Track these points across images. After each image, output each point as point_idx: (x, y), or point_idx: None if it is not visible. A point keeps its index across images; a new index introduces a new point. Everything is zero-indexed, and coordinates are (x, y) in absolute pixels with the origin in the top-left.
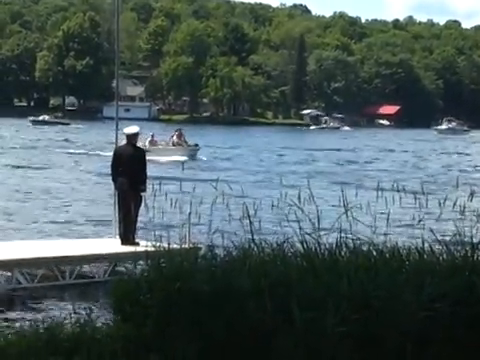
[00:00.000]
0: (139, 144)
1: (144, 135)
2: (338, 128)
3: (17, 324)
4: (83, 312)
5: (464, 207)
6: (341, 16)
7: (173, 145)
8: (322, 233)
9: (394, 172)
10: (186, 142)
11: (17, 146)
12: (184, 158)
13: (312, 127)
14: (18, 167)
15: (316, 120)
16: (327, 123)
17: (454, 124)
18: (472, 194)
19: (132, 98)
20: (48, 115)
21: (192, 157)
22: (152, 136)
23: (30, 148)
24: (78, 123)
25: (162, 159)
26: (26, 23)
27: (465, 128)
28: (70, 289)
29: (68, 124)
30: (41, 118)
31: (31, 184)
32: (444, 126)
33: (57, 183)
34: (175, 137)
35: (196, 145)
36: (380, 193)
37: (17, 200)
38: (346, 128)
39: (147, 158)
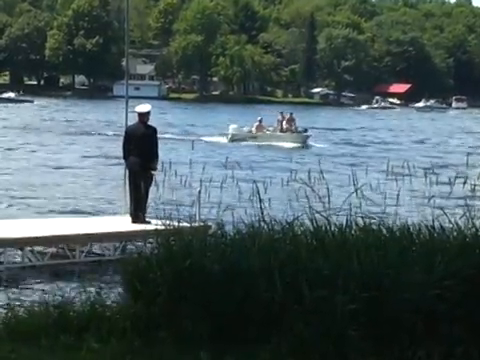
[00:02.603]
0: (245, 129)
1: (252, 120)
2: (389, 108)
3: (27, 302)
4: (93, 290)
5: (475, 185)
6: None
7: (282, 131)
8: (332, 212)
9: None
10: (297, 128)
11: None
12: (294, 145)
13: (363, 107)
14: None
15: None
16: (378, 103)
17: (432, 102)
18: None
19: (142, 77)
20: (13, 92)
21: (303, 144)
22: (260, 121)
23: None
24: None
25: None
26: (36, 2)
27: (443, 105)
28: (80, 267)
29: (32, 102)
30: (6, 96)
31: (37, 162)
32: (421, 104)
33: (65, 162)
34: (285, 122)
35: (306, 130)
36: (390, 172)
37: (29, 177)
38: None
39: (254, 143)
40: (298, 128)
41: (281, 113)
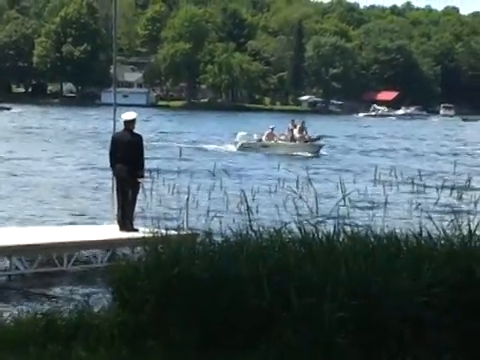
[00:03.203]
0: (255, 137)
1: (264, 128)
2: (386, 116)
3: (15, 311)
4: (81, 298)
5: (461, 193)
6: (339, 2)
7: (292, 139)
8: (320, 219)
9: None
10: (309, 136)
11: None
12: (308, 154)
13: (361, 114)
14: None
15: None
16: (375, 111)
17: (412, 109)
18: (470, 179)
19: (130, 84)
20: None
21: (316, 154)
22: (272, 129)
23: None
24: (73, 108)
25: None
26: (24, 9)
27: (424, 113)
28: (68, 275)
29: (9, 109)
30: None
31: (26, 170)
32: (401, 111)
33: (51, 168)
34: (296, 131)
35: (319, 138)
36: (377, 180)
37: (12, 186)
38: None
39: (265, 153)
40: (311, 136)
41: (292, 121)
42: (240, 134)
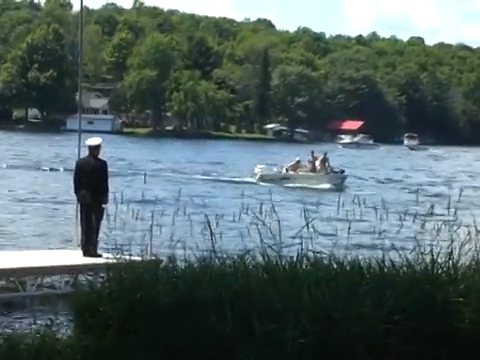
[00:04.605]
0: (274, 170)
1: (288, 160)
2: (367, 145)
3: None
4: (44, 323)
5: (424, 221)
6: (305, 31)
7: (313, 171)
8: (283, 246)
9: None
10: (332, 168)
11: None
12: (330, 186)
13: (342, 143)
14: None
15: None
16: (357, 138)
17: (359, 138)
18: (432, 207)
19: (96, 111)
20: None
21: (339, 186)
22: (298, 161)
23: None
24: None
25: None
26: None
27: (371, 142)
28: (31, 300)
29: None
30: None
31: None
32: (348, 140)
33: (15, 193)
34: (318, 163)
35: (342, 171)
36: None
37: None
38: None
39: (286, 185)
40: (334, 168)
41: (312, 153)
42: (259, 166)
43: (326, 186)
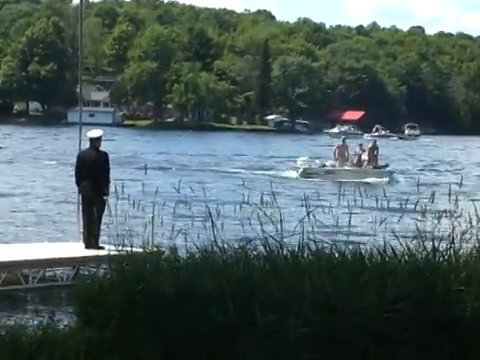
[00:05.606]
0: (317, 162)
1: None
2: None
3: None
4: (46, 315)
5: (425, 209)
6: (305, 22)
7: (359, 164)
8: (285, 235)
9: None
10: (377, 162)
11: None
12: (379, 180)
13: (366, 136)
14: None
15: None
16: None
17: (346, 128)
18: (433, 195)
19: (96, 103)
20: None
21: (390, 180)
22: (343, 141)
23: None
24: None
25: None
26: None
27: (359, 132)
28: (33, 293)
29: None
30: None
31: None
32: (336, 130)
33: (17, 186)
34: (365, 154)
35: (387, 165)
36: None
37: None
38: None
39: (331, 179)
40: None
41: (360, 145)
42: (301, 159)
43: (376, 180)
